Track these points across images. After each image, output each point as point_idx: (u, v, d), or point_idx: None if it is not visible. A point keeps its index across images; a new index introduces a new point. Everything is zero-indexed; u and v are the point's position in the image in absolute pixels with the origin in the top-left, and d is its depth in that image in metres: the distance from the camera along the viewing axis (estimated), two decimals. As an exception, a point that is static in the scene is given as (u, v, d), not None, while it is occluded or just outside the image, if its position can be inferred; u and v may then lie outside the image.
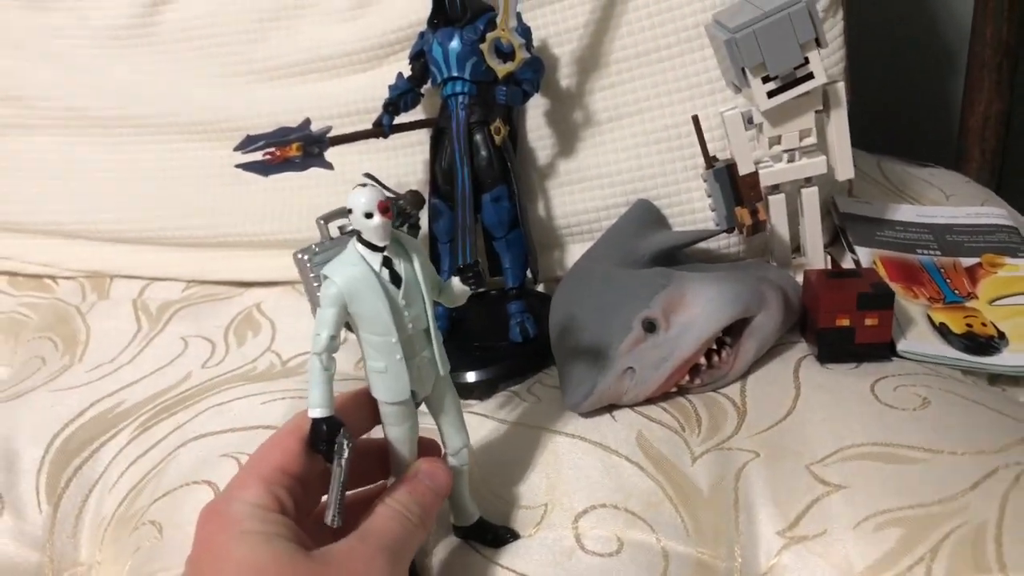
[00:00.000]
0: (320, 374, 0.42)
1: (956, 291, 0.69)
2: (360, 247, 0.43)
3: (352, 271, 0.42)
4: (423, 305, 0.45)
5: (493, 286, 0.74)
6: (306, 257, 0.52)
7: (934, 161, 0.95)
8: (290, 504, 0.42)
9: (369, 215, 0.41)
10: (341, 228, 0.55)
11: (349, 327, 0.44)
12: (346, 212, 0.42)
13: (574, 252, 0.77)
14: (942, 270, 0.71)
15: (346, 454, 0.42)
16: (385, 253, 0.43)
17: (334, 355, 0.42)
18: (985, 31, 1.00)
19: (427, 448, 0.48)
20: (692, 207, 0.74)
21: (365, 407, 0.46)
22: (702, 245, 0.73)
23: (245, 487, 0.41)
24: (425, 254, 0.45)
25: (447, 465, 0.48)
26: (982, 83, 1.02)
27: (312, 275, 0.52)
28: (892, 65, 1.11)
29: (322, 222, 0.55)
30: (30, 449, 0.63)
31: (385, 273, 0.43)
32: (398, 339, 0.43)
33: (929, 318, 0.65)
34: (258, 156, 0.62)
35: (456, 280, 0.47)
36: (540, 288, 0.76)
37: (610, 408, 0.59)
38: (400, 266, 0.43)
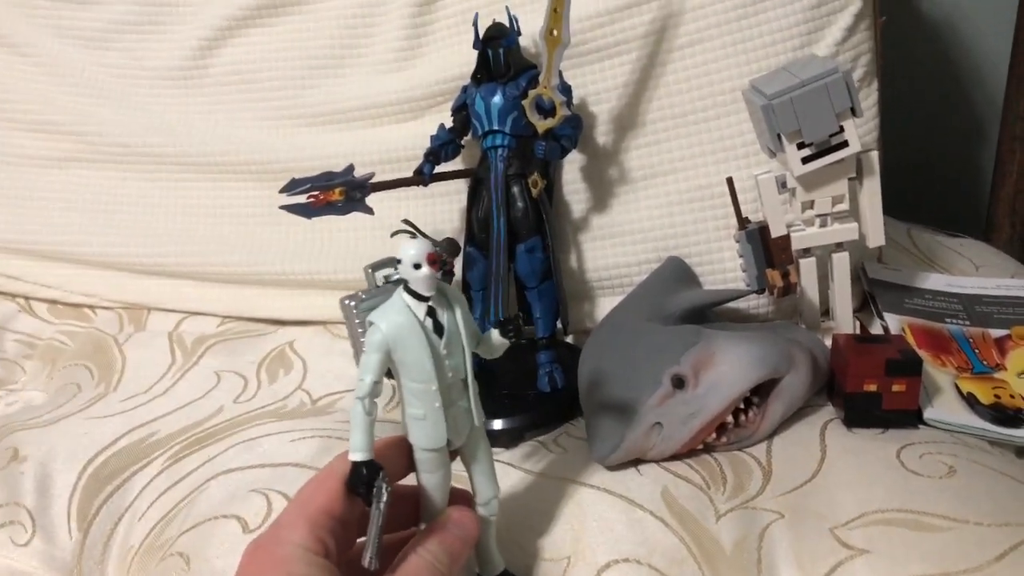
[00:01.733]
0: (362, 418, 0.43)
1: (984, 362, 0.69)
2: (406, 296, 0.44)
3: (397, 319, 0.43)
4: (463, 355, 0.46)
5: (523, 336, 0.75)
6: (352, 304, 0.53)
7: (964, 231, 0.95)
8: (333, 547, 0.42)
9: (418, 266, 0.43)
10: (387, 277, 0.56)
11: (389, 374, 0.45)
12: (394, 262, 0.44)
13: (604, 305, 0.78)
14: (971, 340, 0.72)
15: (384, 498, 0.42)
16: (430, 303, 0.44)
17: (376, 400, 0.43)
18: (1018, 104, 1.01)
19: (457, 498, 0.49)
20: (723, 266, 0.75)
21: (401, 453, 0.47)
22: (732, 305, 0.74)
23: (293, 528, 0.42)
24: (467, 306, 0.46)
25: (476, 515, 0.48)
26: (1013, 155, 1.02)
27: (357, 321, 0.53)
28: (924, 135, 1.12)
29: (370, 270, 0.56)
30: (63, 475, 0.64)
31: (429, 322, 0.44)
32: (438, 387, 0.44)
33: (957, 387, 0.66)
34: (302, 199, 0.64)
35: (495, 332, 0.48)
36: (569, 339, 0.77)
37: (636, 462, 0.59)
38: (443, 316, 0.44)
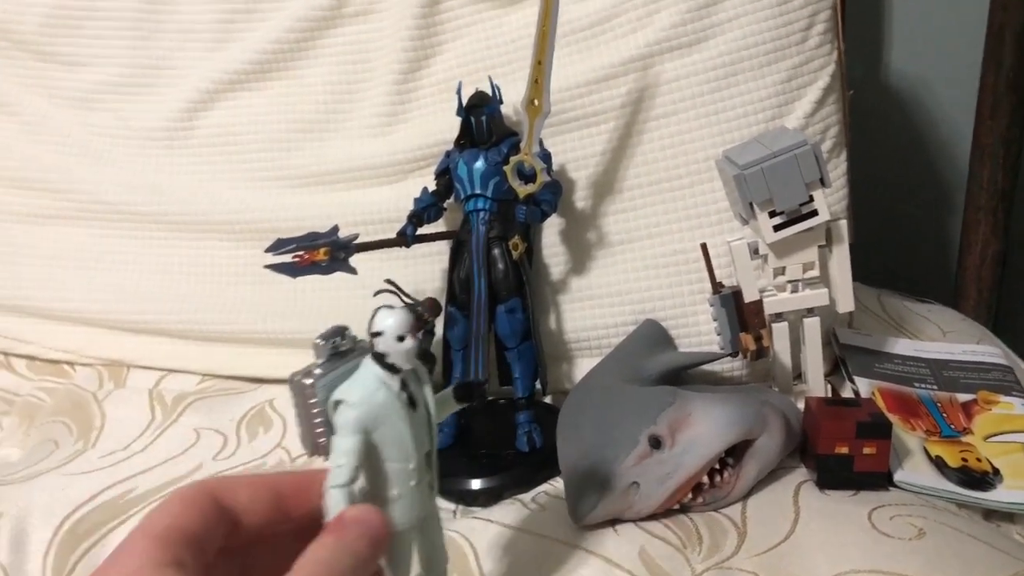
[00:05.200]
0: (347, 506, 0.39)
1: (952, 426, 0.71)
2: (378, 369, 0.40)
3: (375, 396, 0.40)
4: (430, 426, 0.43)
5: (502, 395, 0.76)
6: (309, 381, 0.47)
7: (932, 298, 0.98)
8: (190, 563, 0.36)
9: (402, 338, 0.39)
10: (335, 347, 0.52)
11: None
12: (342, 331, 0.41)
13: (582, 366, 0.79)
14: (938, 404, 0.73)
15: None
16: (402, 376, 0.40)
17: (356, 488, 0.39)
18: (982, 176, 1.04)
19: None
20: (698, 329, 0.77)
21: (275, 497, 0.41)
22: (707, 367, 0.76)
23: (132, 547, 0.36)
24: (427, 374, 0.43)
25: (381, 513, 0.40)
26: (979, 225, 1.06)
27: (313, 400, 0.47)
28: (893, 205, 1.15)
29: (321, 342, 0.51)
30: (39, 531, 0.64)
31: (404, 396, 0.41)
32: (415, 465, 0.41)
33: (926, 450, 0.67)
34: (287, 258, 0.65)
35: (450, 391, 0.46)
36: (548, 400, 0.78)
37: (613, 522, 0.60)
38: (414, 388, 0.41)
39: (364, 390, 0.40)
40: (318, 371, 0.46)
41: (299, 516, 0.41)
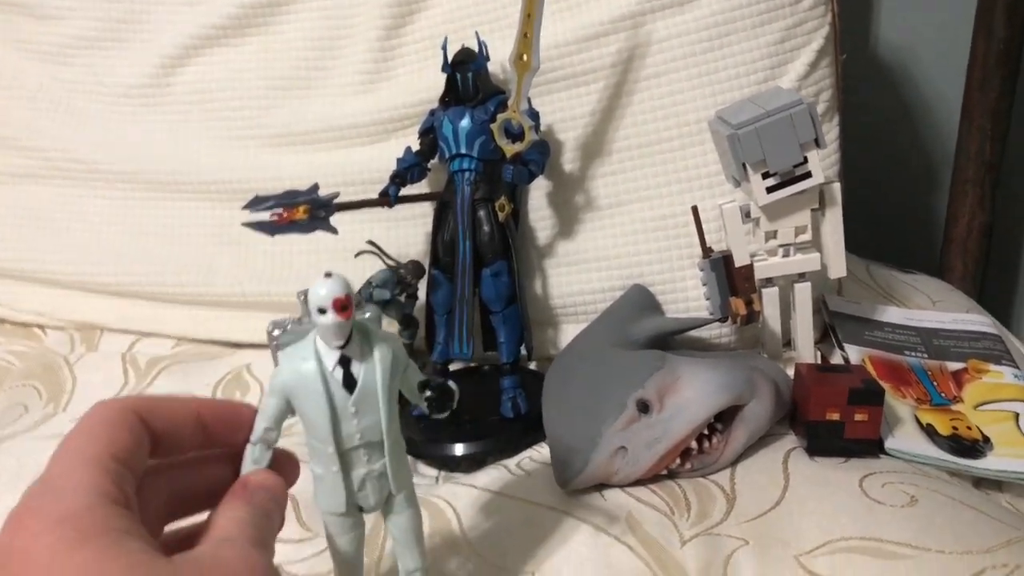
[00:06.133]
0: (249, 467, 0.39)
1: (943, 394, 0.70)
2: (319, 340, 0.38)
3: (300, 366, 0.38)
4: (379, 415, 0.39)
5: (487, 361, 0.75)
6: (276, 332, 0.46)
7: (918, 270, 0.97)
8: (133, 498, 0.34)
9: (322, 311, 0.36)
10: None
11: None
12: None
13: (568, 332, 0.77)
14: (929, 372, 0.72)
15: None
16: (344, 352, 0.38)
17: (269, 448, 0.39)
18: (969, 148, 1.03)
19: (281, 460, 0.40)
20: (687, 295, 0.75)
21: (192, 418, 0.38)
22: (695, 333, 0.74)
23: (70, 475, 0.32)
24: (394, 355, 0.40)
25: (279, 477, 0.39)
26: (965, 197, 1.05)
27: (279, 354, 0.46)
28: (880, 177, 1.14)
29: (302, 297, 0.49)
30: (6, 496, 0.61)
31: (339, 373, 0.38)
32: (335, 451, 0.39)
33: (916, 418, 0.66)
34: (265, 216, 0.63)
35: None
36: (533, 365, 0.76)
37: (600, 487, 0.59)
38: (359, 368, 0.38)
39: (295, 356, 0.38)
40: (290, 325, 0.44)
41: (223, 443, 0.40)
